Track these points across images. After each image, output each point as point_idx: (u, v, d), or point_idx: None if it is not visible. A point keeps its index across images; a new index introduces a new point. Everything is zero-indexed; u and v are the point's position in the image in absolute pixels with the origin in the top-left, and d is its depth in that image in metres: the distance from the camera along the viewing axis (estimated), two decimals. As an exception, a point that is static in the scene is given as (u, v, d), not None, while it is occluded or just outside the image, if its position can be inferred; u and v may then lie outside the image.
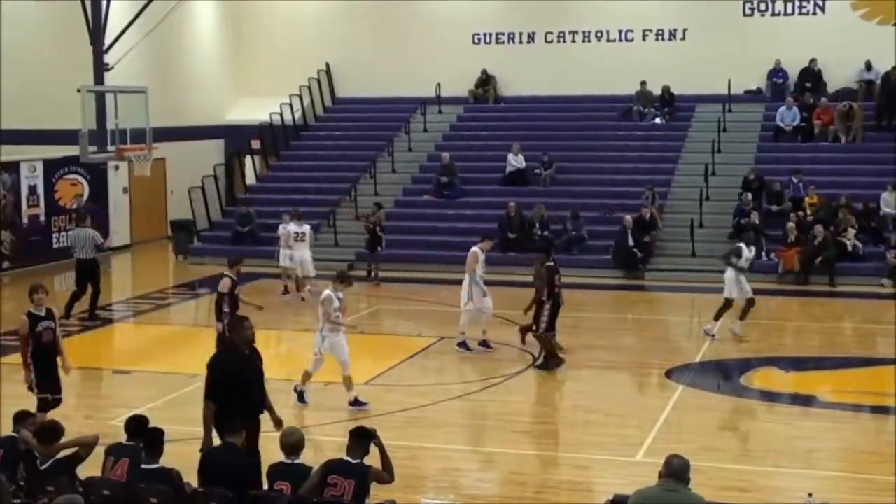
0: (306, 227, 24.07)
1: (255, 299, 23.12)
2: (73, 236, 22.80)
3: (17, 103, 29.76)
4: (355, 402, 14.81)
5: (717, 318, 19.28)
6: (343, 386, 14.92)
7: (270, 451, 9.68)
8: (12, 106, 29.77)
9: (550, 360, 17.13)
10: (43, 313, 13.37)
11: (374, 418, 14.32)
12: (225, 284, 16.11)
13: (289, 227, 23.78)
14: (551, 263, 17.50)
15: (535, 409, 15.41)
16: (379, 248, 25.44)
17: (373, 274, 25.32)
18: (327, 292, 14.86)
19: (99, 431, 10.53)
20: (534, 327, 17.23)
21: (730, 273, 19.17)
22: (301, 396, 15.07)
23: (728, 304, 19.16)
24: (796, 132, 29.69)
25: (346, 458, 9.22)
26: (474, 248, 18.87)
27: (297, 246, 23.59)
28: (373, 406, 14.92)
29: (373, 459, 9.42)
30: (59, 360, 13.59)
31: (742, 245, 19.35)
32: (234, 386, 10.40)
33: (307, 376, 15.14)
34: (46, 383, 13.31)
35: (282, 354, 18.92)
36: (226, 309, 15.95)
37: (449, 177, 29.46)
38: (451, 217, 28.57)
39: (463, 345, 18.32)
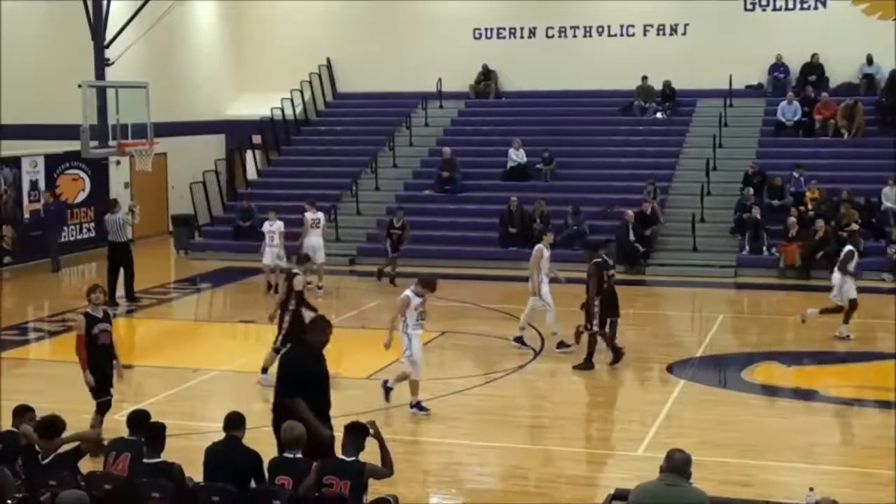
0: (320, 214, 24.50)
1: (255, 295, 23.27)
2: (106, 221, 23.48)
3: (18, 98, 29.73)
4: (417, 406, 14.51)
5: (846, 320, 19.02)
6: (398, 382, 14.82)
7: (271, 445, 9.68)
8: (14, 101, 29.74)
9: (589, 361, 16.97)
10: (100, 315, 13.06)
11: (375, 413, 14.30)
12: (300, 282, 16.12)
13: (306, 215, 24.22)
14: (599, 259, 17.28)
15: (537, 403, 15.41)
16: (399, 249, 24.97)
17: (391, 270, 24.73)
18: (407, 293, 14.53)
19: (101, 426, 10.53)
20: (587, 325, 17.06)
21: (837, 276, 19.04)
22: (419, 405, 14.54)
23: (854, 304, 18.94)
24: (797, 127, 29.68)
25: (340, 456, 9.20)
26: (539, 245, 18.64)
27: (312, 232, 23.98)
28: (374, 401, 14.92)
29: (371, 454, 9.41)
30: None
31: (853, 249, 19.24)
32: (304, 384, 10.22)
33: (415, 385, 14.64)
34: (100, 385, 13.08)
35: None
36: (291, 307, 15.98)
37: (450, 172, 29.46)
38: (452, 212, 28.59)
39: (561, 345, 17.94)
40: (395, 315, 14.60)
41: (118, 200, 24.25)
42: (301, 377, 10.28)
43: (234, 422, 9.69)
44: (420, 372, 14.60)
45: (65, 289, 26.58)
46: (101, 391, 13.06)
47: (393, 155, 31.23)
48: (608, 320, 16.99)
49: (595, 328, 16.87)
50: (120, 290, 22.76)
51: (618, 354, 17.05)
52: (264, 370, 15.83)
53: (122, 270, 22.87)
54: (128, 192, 30.92)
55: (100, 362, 13.02)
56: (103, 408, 13.09)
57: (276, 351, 15.66)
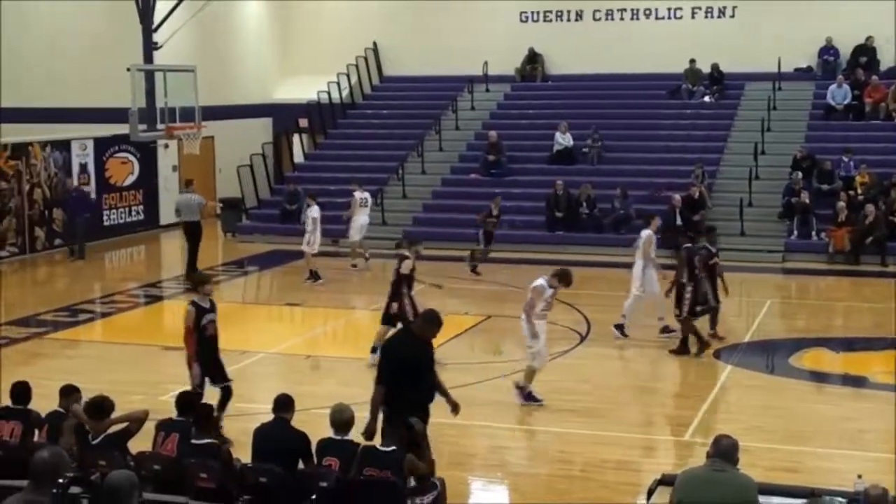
0: (367, 194, 24.97)
1: (301, 278, 23.38)
2: (179, 200, 24.08)
3: (67, 82, 30.09)
4: (529, 397, 14.19)
5: None
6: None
7: (320, 426, 9.73)
8: (63, 85, 30.11)
9: (685, 346, 16.84)
10: (208, 305, 12.77)
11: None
12: (407, 266, 16.12)
13: (355, 194, 24.64)
14: (689, 245, 17.13)
15: (583, 387, 15.39)
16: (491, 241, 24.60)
17: (479, 256, 24.27)
18: (542, 282, 14.17)
19: (150, 407, 10.62)
20: (677, 311, 16.96)
21: None
22: (530, 395, 14.17)
23: None
24: (847, 111, 29.36)
25: (379, 446, 9.17)
26: (648, 231, 18.28)
27: (360, 212, 24.44)
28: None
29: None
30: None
31: None
32: (407, 372, 9.96)
33: (531, 373, 14.24)
34: (217, 373, 12.87)
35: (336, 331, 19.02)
36: (404, 290, 16.01)
37: (496, 155, 29.41)
38: (497, 195, 28.54)
39: (620, 328, 17.85)
40: (527, 303, 14.16)
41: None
42: (402, 365, 9.98)
43: (283, 404, 9.75)
44: (543, 361, 14.25)
45: (115, 271, 26.86)
46: (220, 377, 12.83)
47: (439, 138, 31.22)
48: (698, 308, 16.82)
49: (685, 314, 16.73)
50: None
51: (703, 344, 16.84)
52: (374, 350, 15.84)
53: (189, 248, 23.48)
54: (176, 176, 31.16)
55: (208, 352, 12.74)
56: (226, 394, 12.86)
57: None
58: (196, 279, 13.04)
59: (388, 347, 10.51)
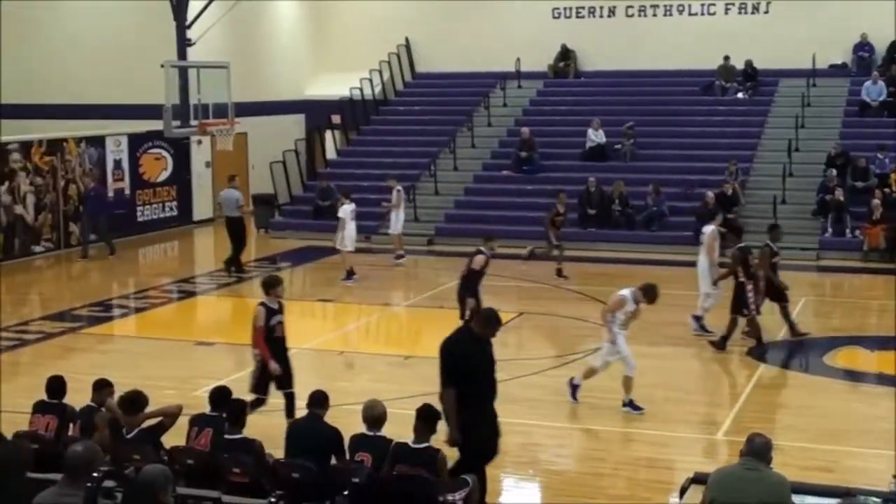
0: (394, 192, 25.27)
1: (334, 274, 23.43)
2: (221, 195, 24.46)
3: (102, 79, 30.28)
4: (630, 405, 13.82)
5: None
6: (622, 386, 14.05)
7: (353, 422, 9.75)
8: (98, 81, 30.30)
9: (761, 343, 16.80)
10: (276, 306, 12.78)
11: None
12: (479, 262, 16.14)
13: (399, 188, 25.10)
14: (743, 244, 17.06)
15: (615, 385, 15.31)
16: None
17: (559, 254, 23.45)
18: (625, 294, 13.82)
19: (183, 402, 10.69)
20: (744, 311, 16.81)
21: None
22: (632, 405, 13.77)
23: None
24: (882, 107, 29.11)
25: (411, 443, 9.16)
26: (712, 227, 18.17)
27: (402, 206, 25.04)
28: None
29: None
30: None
31: None
32: (462, 370, 9.87)
33: (629, 383, 13.85)
34: (282, 377, 12.74)
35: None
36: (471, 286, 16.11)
37: (528, 152, 29.37)
38: (530, 192, 28.50)
39: (701, 325, 17.86)
40: (605, 311, 13.91)
41: (236, 176, 24.94)
42: (459, 363, 9.87)
43: (318, 400, 9.78)
44: (633, 368, 13.83)
45: (148, 266, 27.02)
46: (286, 382, 12.76)
47: (471, 135, 31.20)
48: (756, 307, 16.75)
49: (753, 312, 16.63)
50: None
51: (760, 344, 16.78)
52: None
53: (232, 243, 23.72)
54: (209, 172, 31.32)
55: (277, 354, 12.72)
56: (290, 401, 12.72)
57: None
58: (268, 282, 12.89)
59: (448, 347, 10.13)
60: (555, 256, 22.89)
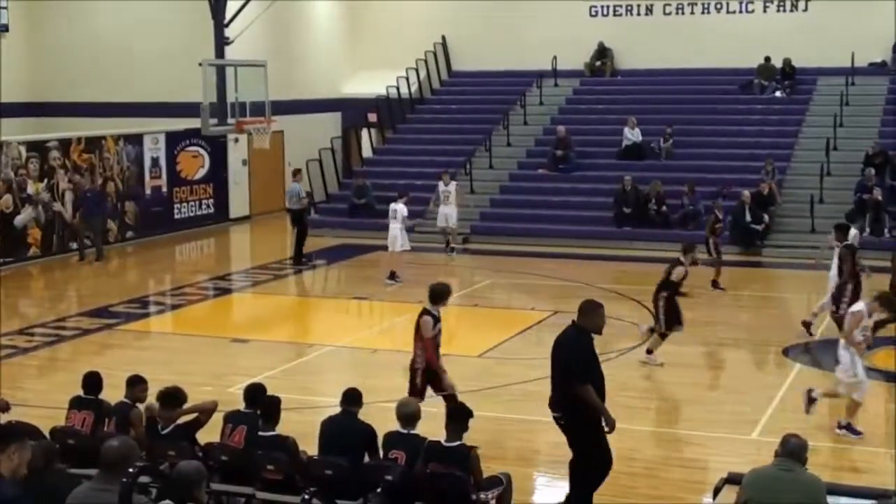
0: (452, 185, 25.77)
1: (369, 272, 23.50)
2: (288, 189, 25.49)
3: (140, 77, 30.49)
4: (848, 427, 12.88)
5: None
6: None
7: (386, 420, 9.78)
8: (136, 80, 30.51)
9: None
10: (438, 313, 12.50)
11: (488, 391, 14.39)
12: (679, 273, 15.90)
13: (438, 186, 25.53)
14: (850, 242, 16.87)
15: (649, 384, 15.31)
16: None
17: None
18: (860, 306, 13.23)
19: (218, 398, 10.75)
20: (833, 308, 16.66)
21: None
22: (852, 429, 12.88)
23: None
24: (922, 106, 28.87)
25: (444, 442, 9.18)
26: (854, 231, 17.99)
27: (446, 203, 25.41)
28: (485, 380, 14.97)
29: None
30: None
31: None
32: (589, 368, 9.93)
33: (855, 408, 12.94)
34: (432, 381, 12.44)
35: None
36: (664, 293, 15.88)
37: (564, 150, 29.32)
38: (565, 191, 28.46)
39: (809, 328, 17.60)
40: (845, 329, 13.23)
41: (300, 170, 25.92)
42: (588, 360, 9.96)
43: (352, 398, 9.80)
44: (864, 393, 13.07)
45: (185, 264, 27.18)
46: (440, 386, 12.36)
47: (507, 133, 31.17)
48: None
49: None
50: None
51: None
52: (649, 352, 15.98)
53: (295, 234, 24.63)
54: (246, 170, 31.47)
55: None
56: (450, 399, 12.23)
57: (662, 336, 15.89)
58: (440, 292, 12.50)
59: (571, 346, 10.07)
60: (716, 263, 21.85)
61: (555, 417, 10.11)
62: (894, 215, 25.07)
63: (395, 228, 22.54)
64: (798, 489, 7.55)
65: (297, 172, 25.39)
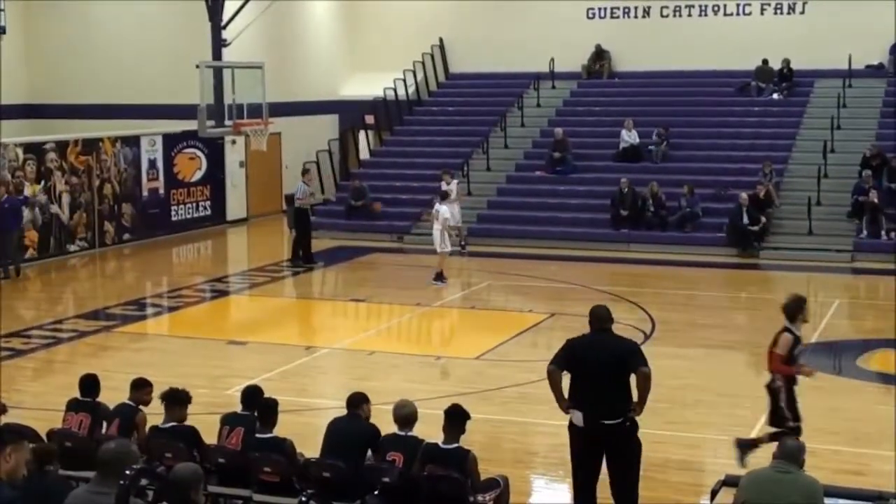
0: (454, 184, 25.65)
1: (366, 274, 23.50)
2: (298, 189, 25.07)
3: (137, 79, 30.48)
4: None
5: None
6: None
7: (384, 422, 9.78)
8: (133, 82, 30.50)
9: None
10: (801, 333, 11.35)
11: (484, 394, 14.39)
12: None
13: (441, 186, 24.86)
14: None
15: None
16: None
17: None
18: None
19: (215, 400, 10.75)
20: None
21: None
22: None
23: None
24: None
25: (441, 444, 9.16)
26: None
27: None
28: (482, 382, 14.97)
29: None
30: None
31: None
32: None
33: None
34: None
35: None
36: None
37: (561, 152, 29.32)
38: (563, 193, 28.47)
39: None
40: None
41: (308, 170, 25.92)
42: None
43: (356, 401, 9.75)
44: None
45: (182, 266, 27.17)
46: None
47: (504, 135, 31.18)
48: None
49: None
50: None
51: None
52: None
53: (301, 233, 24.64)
54: (243, 172, 31.47)
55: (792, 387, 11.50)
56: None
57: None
58: (798, 305, 11.24)
59: (623, 346, 9.92)
60: None
61: (615, 425, 9.54)
62: (891, 217, 25.07)
63: (436, 230, 22.16)
64: (795, 491, 7.55)
65: (306, 171, 25.50)
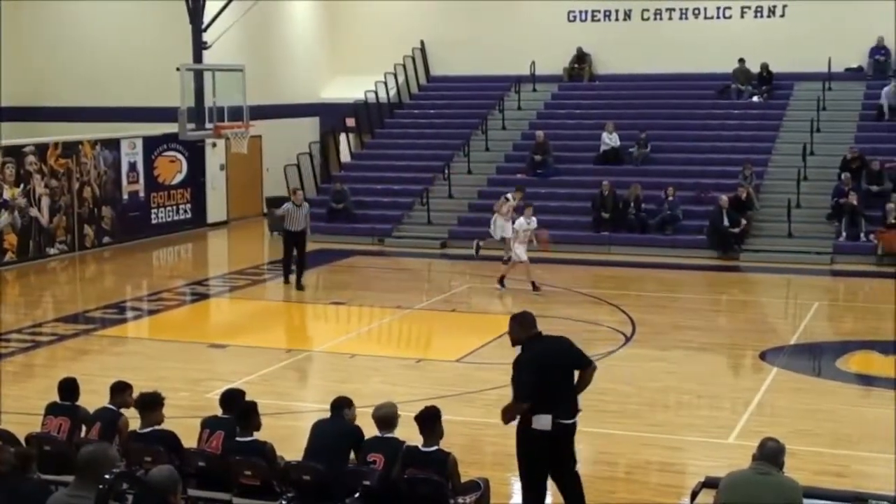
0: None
1: (347, 277, 23.45)
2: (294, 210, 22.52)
3: (117, 81, 30.38)
4: None
5: None
6: None
7: (364, 425, 9.76)
8: (114, 84, 30.41)
9: None
10: None
11: (466, 396, 14.38)
12: None
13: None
14: None
15: (626, 388, 15.32)
16: None
17: None
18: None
19: (195, 404, 10.71)
20: None
21: None
22: None
23: None
24: (899, 111, 29.00)
25: (421, 447, 9.14)
26: None
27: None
28: (463, 384, 14.97)
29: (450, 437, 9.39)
30: None
31: None
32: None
33: None
34: None
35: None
36: None
37: (542, 155, 29.36)
38: (544, 196, 28.38)
39: None
40: None
41: (298, 190, 23.76)
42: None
43: (341, 404, 9.75)
44: None
45: (162, 269, 27.09)
46: None
47: (486, 138, 31.20)
48: None
49: None
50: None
51: None
52: None
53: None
54: (223, 175, 31.39)
55: None
56: None
57: None
58: None
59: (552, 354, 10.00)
60: None
61: (572, 424, 9.78)
62: (871, 220, 25.18)
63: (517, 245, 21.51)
64: (775, 492, 7.56)
65: (296, 191, 23.35)
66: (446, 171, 29.81)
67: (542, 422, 9.56)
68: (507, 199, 23.58)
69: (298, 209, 22.06)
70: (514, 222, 22.07)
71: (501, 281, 21.75)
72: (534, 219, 21.70)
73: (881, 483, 10.86)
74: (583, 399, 9.93)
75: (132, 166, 28.60)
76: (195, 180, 30.51)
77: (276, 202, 30.29)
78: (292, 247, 22.29)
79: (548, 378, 9.61)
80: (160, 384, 11.85)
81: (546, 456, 9.76)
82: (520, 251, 21.44)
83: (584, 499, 9.92)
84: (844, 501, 8.61)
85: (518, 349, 9.82)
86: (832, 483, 10.82)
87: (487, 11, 34.04)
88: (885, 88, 29.13)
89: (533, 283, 21.44)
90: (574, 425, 9.79)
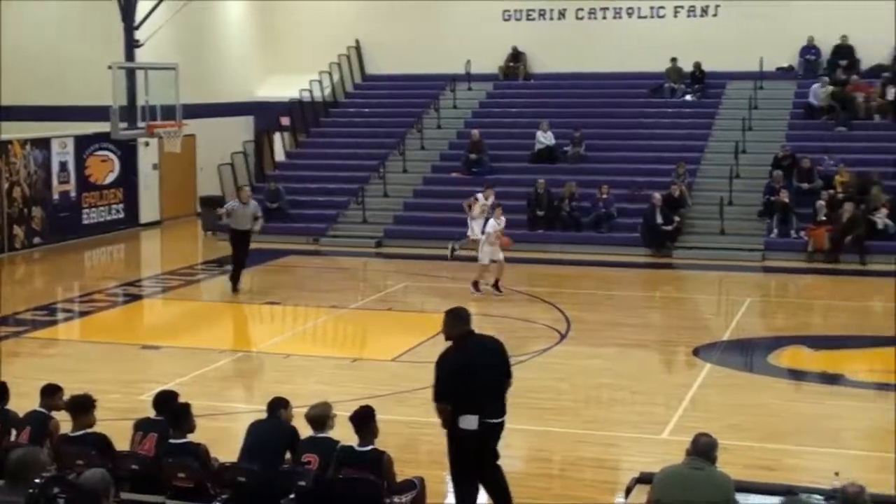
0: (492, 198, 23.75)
1: (282, 276, 23.32)
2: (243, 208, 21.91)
3: (48, 80, 29.95)
4: None
5: None
6: None
7: (299, 425, 9.71)
8: (43, 82, 29.96)
9: None
10: None
11: (402, 395, 14.36)
12: None
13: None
14: None
15: (561, 386, 15.40)
16: None
17: None
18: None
19: (128, 406, 10.60)
20: None
21: None
22: None
23: None
24: (828, 110, 29.39)
25: (356, 446, 9.13)
26: None
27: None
28: (398, 383, 14.95)
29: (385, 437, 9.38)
30: None
31: None
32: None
33: None
34: None
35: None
36: None
37: (478, 154, 29.41)
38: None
39: None
40: None
41: (244, 188, 23.22)
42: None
43: (277, 405, 9.72)
44: None
45: (94, 270, 26.78)
46: None
47: (421, 137, 31.20)
48: None
49: None
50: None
51: None
52: None
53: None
54: (156, 174, 31.09)
55: None
56: None
57: None
58: None
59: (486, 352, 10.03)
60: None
61: (500, 423, 9.84)
62: (802, 217, 25.50)
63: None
64: (708, 487, 7.64)
65: (243, 188, 23.06)
66: (382, 170, 29.76)
67: (468, 422, 9.59)
68: (478, 199, 23.54)
69: (245, 207, 21.58)
70: (485, 223, 21.62)
71: (496, 286, 21.28)
72: (503, 219, 21.37)
73: (811, 476, 11.00)
74: (516, 396, 9.96)
75: (63, 166, 28.23)
76: (128, 180, 30.18)
77: (210, 202, 30.15)
78: (239, 246, 21.76)
79: (475, 377, 9.62)
80: (92, 386, 11.69)
81: (474, 455, 9.79)
82: (489, 252, 21.04)
83: (508, 492, 9.94)
84: (775, 495, 8.70)
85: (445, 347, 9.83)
86: (764, 477, 10.94)
87: (423, 10, 34.02)
88: (814, 87, 29.53)
89: (475, 284, 21.13)
90: (502, 424, 9.81)
